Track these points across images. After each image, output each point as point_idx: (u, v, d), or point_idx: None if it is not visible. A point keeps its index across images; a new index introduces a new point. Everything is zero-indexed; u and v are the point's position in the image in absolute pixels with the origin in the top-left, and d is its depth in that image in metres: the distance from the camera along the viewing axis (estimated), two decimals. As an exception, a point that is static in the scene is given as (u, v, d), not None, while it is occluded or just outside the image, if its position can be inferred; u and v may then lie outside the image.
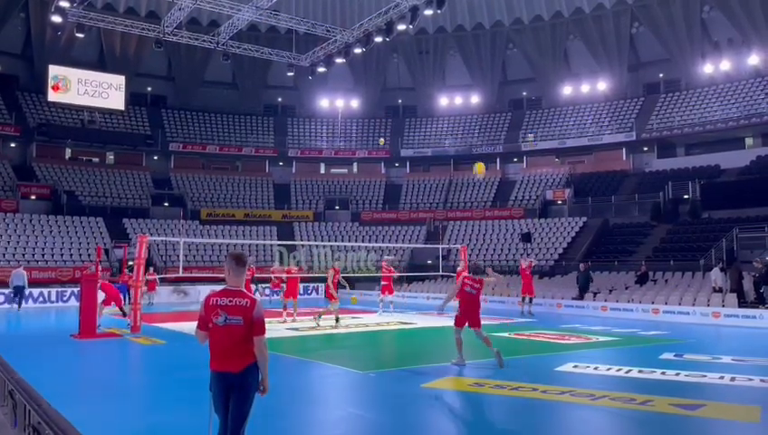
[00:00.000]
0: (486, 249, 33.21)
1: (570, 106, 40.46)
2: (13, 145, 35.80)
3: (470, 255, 29.76)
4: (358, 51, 30.69)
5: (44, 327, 17.40)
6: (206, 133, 41.01)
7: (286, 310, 17.49)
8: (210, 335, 4.42)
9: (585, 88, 39.78)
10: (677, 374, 9.12)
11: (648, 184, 33.37)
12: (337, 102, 43.23)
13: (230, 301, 4.43)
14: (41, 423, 3.36)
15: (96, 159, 38.25)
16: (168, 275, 24.13)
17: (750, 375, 9.04)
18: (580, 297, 21.84)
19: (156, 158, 39.77)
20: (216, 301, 4.43)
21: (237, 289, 4.51)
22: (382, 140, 36.26)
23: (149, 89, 42.35)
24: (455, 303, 10.48)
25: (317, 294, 30.83)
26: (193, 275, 26.46)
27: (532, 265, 21.98)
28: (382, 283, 20.00)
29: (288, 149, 41.69)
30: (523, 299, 20.35)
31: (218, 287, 4.65)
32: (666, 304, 19.41)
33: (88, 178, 35.87)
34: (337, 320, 16.19)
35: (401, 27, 28.41)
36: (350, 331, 15.58)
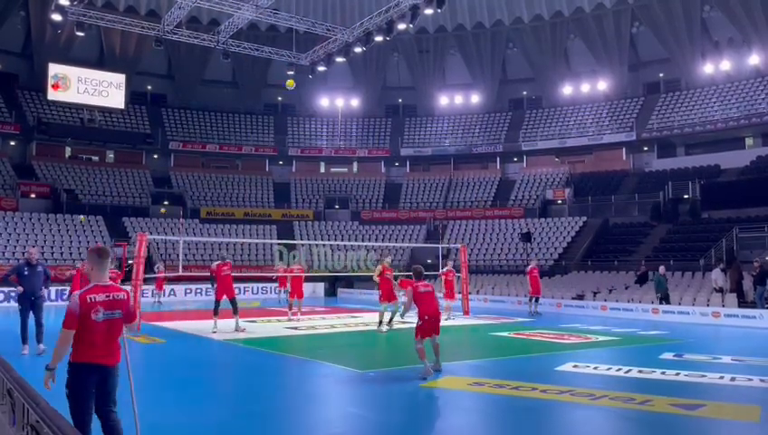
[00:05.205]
0: (486, 249, 33.22)
1: (570, 106, 40.44)
2: (12, 143, 35.79)
3: (470, 254, 29.79)
4: (358, 50, 30.65)
5: (44, 325, 17.35)
6: (206, 132, 40.99)
7: (291, 309, 17.45)
8: (87, 331, 4.44)
9: (585, 87, 39.75)
10: (677, 374, 9.11)
11: (648, 184, 33.37)
12: (337, 101, 43.20)
13: (107, 296, 4.51)
14: (39, 422, 3.35)
15: (96, 158, 38.24)
16: (168, 274, 24.07)
17: (750, 375, 9.03)
18: (662, 301, 19.26)
19: (156, 156, 39.76)
20: (94, 298, 4.46)
21: (110, 284, 4.61)
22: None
23: (149, 87, 42.34)
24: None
25: (315, 293, 30.86)
26: (192, 274, 26.46)
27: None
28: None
29: (288, 148, 41.69)
30: (530, 299, 20.42)
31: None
32: (666, 303, 19.38)
33: (88, 176, 35.87)
34: (380, 323, 14.90)
35: (401, 26, 28.37)
36: (349, 330, 15.57)
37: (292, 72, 31.79)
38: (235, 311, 14.36)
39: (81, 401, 4.43)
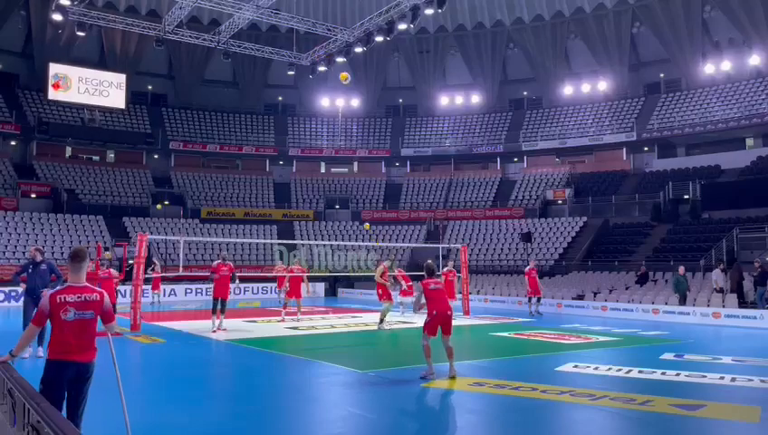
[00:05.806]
0: (487, 249, 33.22)
1: (570, 106, 40.45)
2: (13, 143, 35.80)
3: (470, 254, 29.80)
4: (358, 50, 30.66)
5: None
6: (207, 132, 41.00)
7: (286, 309, 17.42)
8: (59, 330, 4.57)
9: (586, 88, 39.75)
10: (678, 374, 9.11)
11: (648, 184, 33.38)
12: (337, 101, 43.20)
13: (78, 297, 4.63)
14: (40, 422, 3.35)
15: (96, 158, 38.27)
16: (168, 274, 24.10)
17: (750, 375, 9.02)
18: (683, 303, 18.93)
19: (156, 156, 39.78)
20: (64, 298, 4.59)
21: (84, 285, 4.72)
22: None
23: (150, 87, 42.35)
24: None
25: (315, 293, 30.84)
26: (193, 274, 26.47)
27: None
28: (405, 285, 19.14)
29: (288, 148, 41.69)
30: (530, 300, 20.41)
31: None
32: (666, 304, 19.39)
33: (88, 176, 35.88)
34: (381, 321, 15.33)
35: (402, 26, 28.38)
36: (350, 330, 15.56)
37: (344, 72, 30.76)
38: (222, 311, 14.52)
39: (52, 397, 4.51)
